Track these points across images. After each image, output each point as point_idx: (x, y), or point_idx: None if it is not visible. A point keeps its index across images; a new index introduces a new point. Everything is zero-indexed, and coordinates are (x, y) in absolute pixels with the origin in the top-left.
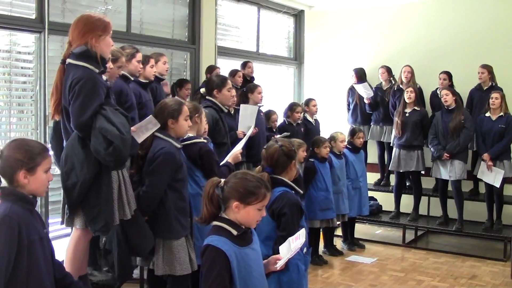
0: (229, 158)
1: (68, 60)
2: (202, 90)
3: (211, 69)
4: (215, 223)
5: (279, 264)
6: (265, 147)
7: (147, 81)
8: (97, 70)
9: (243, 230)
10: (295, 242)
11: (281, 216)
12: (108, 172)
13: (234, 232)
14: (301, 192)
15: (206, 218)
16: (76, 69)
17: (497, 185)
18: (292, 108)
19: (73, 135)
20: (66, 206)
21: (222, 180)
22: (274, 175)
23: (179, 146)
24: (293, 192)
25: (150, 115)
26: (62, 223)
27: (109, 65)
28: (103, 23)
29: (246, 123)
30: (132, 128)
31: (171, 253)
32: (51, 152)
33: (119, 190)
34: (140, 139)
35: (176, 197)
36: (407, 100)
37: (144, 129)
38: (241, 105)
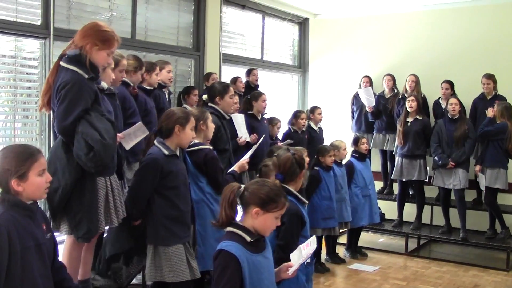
0: (235, 167)
1: (61, 63)
2: (205, 97)
3: (208, 76)
4: (229, 229)
5: (291, 271)
6: (275, 154)
7: (151, 88)
8: (86, 76)
9: (257, 238)
10: (306, 249)
11: (281, 225)
12: (93, 178)
13: (248, 239)
14: (307, 202)
15: (223, 222)
16: (65, 73)
17: (482, 188)
18: (296, 115)
19: (58, 140)
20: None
21: (242, 185)
22: (283, 183)
23: (167, 153)
24: (298, 202)
25: (139, 122)
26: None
27: (111, 63)
28: (106, 36)
29: (243, 131)
30: (119, 134)
31: (162, 260)
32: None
33: (106, 196)
34: (128, 146)
35: (165, 204)
36: (408, 109)
37: (133, 136)
38: (232, 115)
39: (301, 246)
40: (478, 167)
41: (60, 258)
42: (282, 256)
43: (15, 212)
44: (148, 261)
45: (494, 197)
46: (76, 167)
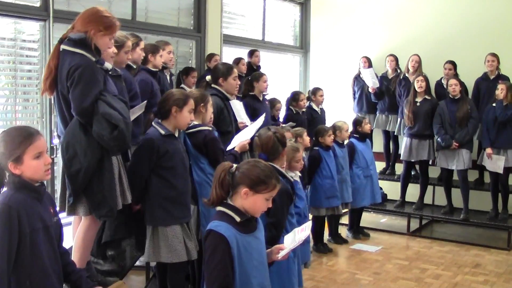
0: (236, 147)
1: (63, 46)
2: (208, 78)
3: (210, 57)
4: (219, 208)
5: (281, 255)
6: (257, 134)
7: (156, 69)
8: (93, 59)
9: (247, 218)
10: (300, 234)
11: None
12: (109, 158)
13: (237, 219)
14: (292, 180)
15: (214, 201)
16: (73, 56)
17: (500, 171)
18: (295, 97)
19: (73, 122)
20: (67, 194)
21: (234, 165)
22: (267, 162)
23: (163, 132)
24: (284, 179)
25: (144, 101)
26: (62, 211)
27: (113, 49)
28: (109, 22)
29: (243, 116)
30: None
31: (160, 241)
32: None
33: (119, 175)
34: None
35: (162, 185)
36: (417, 89)
37: (131, 113)
38: (230, 102)
39: (295, 230)
40: (489, 149)
41: (73, 239)
42: (274, 234)
43: (23, 194)
44: (147, 242)
45: (507, 178)
46: (97, 147)
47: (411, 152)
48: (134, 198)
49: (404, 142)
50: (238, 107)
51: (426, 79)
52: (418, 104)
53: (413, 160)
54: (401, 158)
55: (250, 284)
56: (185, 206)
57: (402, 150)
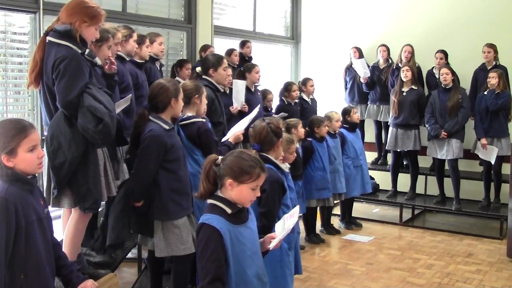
0: (230, 138)
1: (49, 38)
2: (198, 69)
3: (205, 48)
4: (210, 201)
5: (273, 244)
6: (252, 125)
7: (143, 61)
8: (79, 51)
9: (238, 209)
10: (289, 220)
11: (262, 192)
12: (94, 150)
13: (229, 211)
14: (286, 171)
15: (203, 194)
16: (58, 48)
17: (492, 161)
18: (287, 88)
19: (58, 114)
20: (52, 187)
21: (220, 157)
22: (261, 152)
23: (167, 127)
24: (278, 170)
25: (130, 94)
26: (47, 204)
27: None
28: (93, 12)
29: (239, 98)
30: None
31: (172, 234)
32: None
33: (104, 167)
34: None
35: (170, 178)
36: (403, 79)
37: (116, 106)
38: (233, 80)
39: (285, 216)
40: (484, 140)
41: (64, 232)
42: (265, 224)
43: (17, 187)
44: (157, 237)
45: (500, 167)
46: (81, 140)
47: (396, 142)
48: (140, 195)
49: (389, 131)
50: (239, 88)
51: (412, 69)
52: (404, 93)
53: (398, 150)
54: (386, 148)
55: (246, 275)
56: (189, 196)
57: (388, 140)
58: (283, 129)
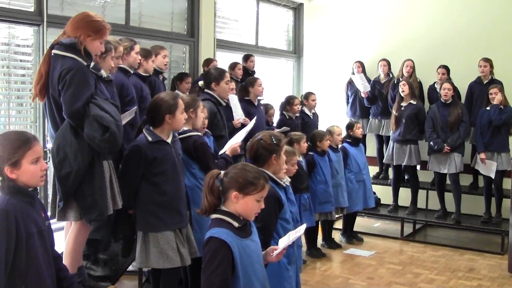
0: (227, 150)
1: (55, 51)
2: (201, 83)
3: (208, 62)
4: (215, 216)
5: (275, 253)
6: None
7: (147, 74)
8: (85, 63)
9: (244, 222)
10: (294, 235)
11: None
12: (100, 161)
13: (236, 224)
14: (284, 185)
15: (206, 210)
16: (64, 60)
17: (492, 176)
18: (289, 101)
19: (64, 125)
20: (57, 199)
21: (222, 171)
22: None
23: (150, 139)
24: (276, 185)
25: (135, 107)
26: (53, 217)
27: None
28: (98, 26)
29: (238, 112)
30: None
31: (153, 247)
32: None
33: (110, 180)
34: None
35: (152, 191)
36: (401, 94)
37: (122, 118)
38: (229, 95)
39: (290, 232)
40: (483, 155)
41: (64, 244)
42: (261, 239)
43: (17, 199)
44: (138, 247)
45: (501, 181)
46: (87, 150)
47: (393, 156)
48: (125, 203)
49: (389, 145)
50: (234, 102)
51: (410, 84)
52: (402, 108)
53: (394, 164)
54: (383, 161)
55: (254, 287)
56: (176, 211)
57: (385, 154)
58: (283, 142)
